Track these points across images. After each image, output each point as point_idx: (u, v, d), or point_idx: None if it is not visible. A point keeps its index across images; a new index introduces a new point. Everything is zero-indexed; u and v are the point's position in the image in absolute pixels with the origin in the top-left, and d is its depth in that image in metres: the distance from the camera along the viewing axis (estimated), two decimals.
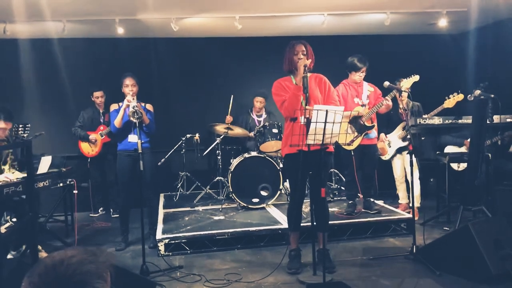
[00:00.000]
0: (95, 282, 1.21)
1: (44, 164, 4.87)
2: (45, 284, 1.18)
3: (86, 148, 6.47)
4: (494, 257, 3.60)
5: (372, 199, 5.52)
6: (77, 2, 5.22)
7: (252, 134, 6.40)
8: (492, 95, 4.66)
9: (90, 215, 6.59)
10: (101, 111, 6.53)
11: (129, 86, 4.81)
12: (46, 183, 4.63)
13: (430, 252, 4.08)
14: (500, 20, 6.61)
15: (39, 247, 4.12)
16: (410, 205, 5.18)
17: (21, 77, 6.74)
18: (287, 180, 4.94)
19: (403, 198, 6.01)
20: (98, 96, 6.50)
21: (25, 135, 5.51)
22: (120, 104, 4.86)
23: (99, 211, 6.74)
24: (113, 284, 1.29)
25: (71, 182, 5.15)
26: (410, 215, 4.99)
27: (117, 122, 4.80)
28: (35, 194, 4.64)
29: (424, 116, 5.39)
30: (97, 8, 5.50)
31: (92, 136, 6.40)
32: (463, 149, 6.00)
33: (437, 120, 5.13)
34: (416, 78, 4.90)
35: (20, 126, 5.53)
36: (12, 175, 4.40)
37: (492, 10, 6.06)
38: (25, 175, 4.40)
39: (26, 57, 6.69)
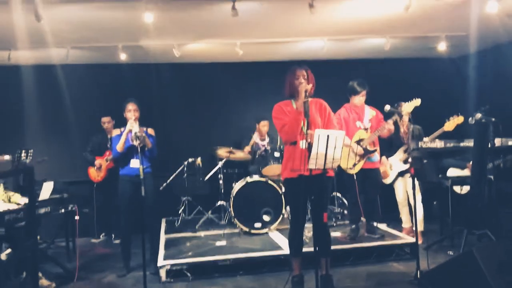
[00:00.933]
0: None
1: (46, 190, 4.87)
2: None
3: (93, 173, 6.53)
4: (500, 282, 3.55)
5: (375, 223, 5.48)
6: (80, 29, 5.30)
7: (247, 148, 6.39)
8: (493, 119, 4.67)
9: (92, 240, 6.55)
10: (109, 136, 6.55)
11: (131, 111, 4.85)
12: (48, 209, 4.63)
13: (434, 277, 4.02)
14: (499, 44, 6.67)
15: (40, 274, 4.09)
16: (414, 228, 5.14)
17: (24, 103, 6.80)
18: (288, 204, 4.92)
19: (406, 222, 5.96)
20: (105, 122, 6.55)
21: (27, 160, 5.52)
22: (122, 129, 4.89)
23: (101, 236, 6.70)
24: None
25: (73, 208, 5.13)
26: (413, 240, 4.94)
27: (119, 146, 4.82)
28: (37, 220, 4.62)
29: (424, 139, 5.39)
30: (100, 35, 5.58)
31: (97, 161, 6.43)
32: (465, 172, 5.97)
33: (438, 144, 5.12)
34: (417, 102, 4.92)
35: (23, 151, 5.55)
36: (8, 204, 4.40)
37: (491, 34, 6.12)
38: (25, 198, 4.41)
39: (29, 83, 6.75)
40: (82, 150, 6.63)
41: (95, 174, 6.50)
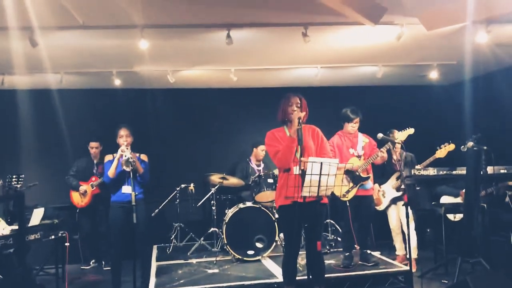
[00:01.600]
0: None
1: (37, 216, 4.81)
2: None
3: (76, 198, 6.41)
4: None
5: (369, 251, 5.45)
6: (75, 55, 5.33)
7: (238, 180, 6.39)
8: (485, 147, 4.70)
9: (81, 267, 6.44)
10: (95, 161, 6.51)
11: (123, 136, 4.84)
12: (38, 235, 4.56)
13: None
14: (490, 71, 6.77)
15: None
16: (408, 256, 5.12)
17: (17, 127, 6.76)
18: (282, 232, 4.89)
19: (400, 249, 5.92)
20: (93, 147, 6.50)
21: (18, 185, 5.47)
22: (115, 155, 4.87)
23: (91, 263, 6.58)
24: None
25: (63, 234, 5.06)
26: (408, 268, 4.90)
27: (111, 172, 4.79)
28: (26, 247, 4.55)
29: (416, 166, 5.41)
30: (95, 61, 5.61)
31: (82, 187, 6.35)
32: (459, 200, 5.98)
33: (431, 171, 5.14)
34: (411, 131, 4.97)
35: (14, 176, 5.49)
36: None
37: (482, 62, 6.22)
38: (14, 227, 4.35)
39: (22, 107, 6.74)
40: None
41: (79, 199, 6.40)
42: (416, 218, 5.64)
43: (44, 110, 6.75)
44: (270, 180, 5.90)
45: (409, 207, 4.24)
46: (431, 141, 5.57)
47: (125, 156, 4.59)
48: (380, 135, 4.50)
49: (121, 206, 4.80)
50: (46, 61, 5.32)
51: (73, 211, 6.50)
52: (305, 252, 4.10)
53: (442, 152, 5.37)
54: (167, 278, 5.03)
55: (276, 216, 5.73)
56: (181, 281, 4.88)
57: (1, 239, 3.98)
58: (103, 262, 6.49)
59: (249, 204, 5.88)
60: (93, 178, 6.41)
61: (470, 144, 4.78)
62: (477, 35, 4.83)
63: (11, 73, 5.89)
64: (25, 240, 4.16)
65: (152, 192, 5.51)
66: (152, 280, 4.93)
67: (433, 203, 5.94)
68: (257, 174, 6.11)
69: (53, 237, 4.96)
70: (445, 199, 6.12)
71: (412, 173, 5.14)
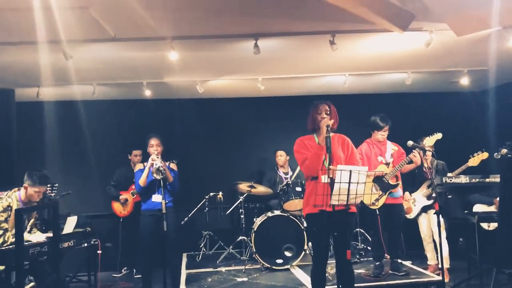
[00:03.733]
0: None
1: (70, 224, 4.92)
2: None
3: (118, 208, 6.53)
4: None
5: (399, 260, 5.36)
6: (107, 67, 5.47)
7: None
8: None
9: (113, 275, 6.54)
10: (135, 170, 6.61)
11: (154, 146, 4.93)
12: (71, 243, 4.66)
13: None
14: None
15: None
16: (440, 266, 5.01)
17: (49, 137, 6.94)
18: (310, 240, 4.86)
19: (431, 259, 5.81)
20: (137, 155, 6.60)
21: (52, 194, 5.62)
22: (145, 164, 4.96)
23: (123, 270, 6.68)
24: None
25: (95, 242, 5.16)
26: (440, 278, 4.80)
27: (142, 181, 4.88)
28: (60, 254, 4.65)
29: (449, 174, 5.31)
30: (126, 72, 5.74)
31: (123, 196, 6.46)
32: (492, 208, 5.83)
33: (463, 179, 5.05)
34: (438, 136, 4.89)
35: (48, 185, 5.65)
36: (33, 236, 4.46)
37: None
38: (48, 235, 4.46)
39: (55, 118, 6.92)
40: (105, 185, 6.68)
41: (121, 208, 6.52)
42: (448, 227, 5.53)
43: (77, 121, 6.92)
44: (299, 189, 5.89)
45: (440, 216, 4.15)
46: (462, 149, 5.46)
47: (156, 165, 4.67)
48: (410, 142, 4.44)
49: (151, 214, 4.88)
50: (79, 73, 5.49)
51: (111, 219, 6.61)
52: (334, 261, 4.07)
53: (475, 160, 5.26)
54: (197, 286, 5.07)
55: (305, 224, 5.71)
56: None
57: (36, 247, 4.09)
58: (134, 270, 6.58)
59: (277, 212, 5.88)
60: (133, 186, 6.51)
61: (504, 151, 4.68)
62: (508, 40, 4.74)
63: (45, 85, 6.07)
64: (59, 247, 4.26)
65: (182, 200, 5.57)
66: None
67: (465, 211, 5.80)
68: (285, 183, 6.10)
69: (85, 244, 5.06)
70: (478, 208, 5.98)
71: (444, 181, 5.05)
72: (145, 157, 5.16)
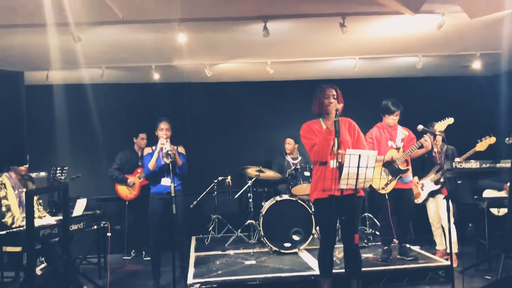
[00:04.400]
0: None
1: (79, 207, 4.97)
2: None
3: (124, 191, 6.56)
4: None
5: (408, 245, 5.36)
6: (115, 50, 5.45)
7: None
8: None
9: (124, 257, 6.61)
10: (139, 154, 6.64)
11: (163, 130, 4.93)
12: (81, 225, 4.71)
13: None
14: None
15: None
16: (448, 251, 4.99)
17: (58, 121, 7.01)
18: (318, 225, 4.86)
19: (440, 244, 5.80)
20: (143, 138, 6.62)
21: (62, 177, 5.67)
22: (154, 147, 4.97)
23: (132, 253, 6.76)
24: None
25: (105, 225, 5.21)
26: (448, 262, 4.79)
27: (151, 164, 4.89)
28: (70, 236, 4.71)
29: (456, 159, 5.27)
30: (134, 55, 5.72)
31: (131, 179, 6.50)
32: (503, 194, 5.79)
33: (474, 164, 5.00)
34: (450, 121, 4.84)
35: (58, 168, 5.70)
36: (44, 219, 4.51)
37: None
38: (58, 217, 4.52)
39: (65, 101, 6.97)
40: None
41: (127, 192, 6.56)
42: (457, 212, 5.50)
43: (86, 104, 6.94)
44: (307, 173, 5.89)
45: (449, 201, 4.12)
46: (473, 134, 5.40)
47: (165, 148, 4.68)
48: (420, 126, 4.39)
49: (160, 197, 4.91)
50: (88, 56, 5.49)
51: (117, 202, 6.67)
52: (341, 245, 4.07)
53: (482, 145, 5.21)
54: (205, 269, 5.10)
55: (313, 209, 5.71)
56: (219, 272, 4.95)
57: (47, 228, 4.14)
58: (144, 253, 6.65)
59: (285, 197, 5.88)
60: (139, 170, 6.54)
61: None
62: None
63: (54, 68, 6.08)
64: (69, 229, 4.30)
65: (190, 184, 5.59)
66: (191, 271, 5.02)
67: (475, 197, 5.76)
68: (293, 168, 6.10)
69: (95, 227, 5.12)
70: (488, 193, 5.94)
71: (454, 166, 5.01)
72: (150, 141, 5.15)
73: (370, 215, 6.59)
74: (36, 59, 5.66)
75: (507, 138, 4.80)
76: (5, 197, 4.45)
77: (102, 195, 6.72)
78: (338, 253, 5.31)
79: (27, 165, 4.71)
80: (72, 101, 6.98)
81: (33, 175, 5.49)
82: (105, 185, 6.85)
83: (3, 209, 4.39)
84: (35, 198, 4.78)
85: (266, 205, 5.86)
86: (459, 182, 5.82)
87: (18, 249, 4.12)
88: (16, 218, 4.42)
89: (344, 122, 4.02)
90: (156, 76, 6.40)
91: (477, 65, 6.33)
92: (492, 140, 5.18)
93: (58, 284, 4.29)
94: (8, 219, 4.39)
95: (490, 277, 4.95)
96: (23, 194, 4.64)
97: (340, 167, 3.60)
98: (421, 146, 4.90)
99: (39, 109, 6.79)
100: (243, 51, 5.78)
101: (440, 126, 4.86)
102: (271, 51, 5.78)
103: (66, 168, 5.81)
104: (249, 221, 6.36)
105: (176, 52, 5.57)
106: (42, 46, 5.05)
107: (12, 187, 4.57)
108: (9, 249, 4.15)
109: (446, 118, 4.88)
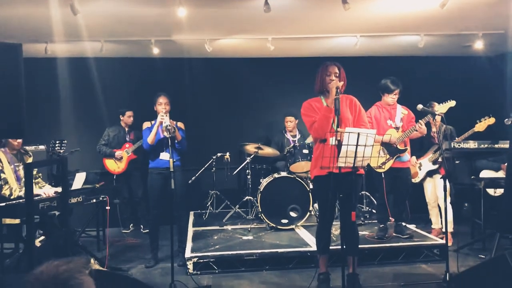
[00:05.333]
0: (78, 276, 1.47)
1: (78, 180, 4.99)
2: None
3: (112, 165, 6.59)
4: None
5: (404, 223, 5.41)
6: (115, 23, 5.39)
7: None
8: None
9: (123, 231, 6.68)
10: (126, 129, 6.66)
11: (162, 104, 4.91)
12: (80, 199, 4.73)
13: (464, 280, 3.94)
14: None
15: None
16: (443, 230, 5.05)
17: (58, 95, 6.98)
18: (317, 202, 4.90)
19: (436, 223, 5.86)
20: (130, 115, 6.65)
21: (61, 151, 5.68)
22: (153, 122, 4.96)
23: (130, 227, 6.82)
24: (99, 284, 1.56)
25: (104, 199, 5.25)
26: (443, 241, 4.85)
27: (150, 139, 4.89)
28: (69, 209, 4.74)
29: (455, 139, 5.28)
30: (133, 29, 5.66)
31: (118, 152, 6.52)
32: (500, 174, 5.82)
33: (472, 144, 5.01)
34: (452, 103, 4.83)
35: (57, 142, 5.70)
36: (43, 189, 4.54)
37: None
38: (57, 189, 4.54)
39: (64, 75, 6.92)
40: None
41: (114, 166, 6.57)
42: (454, 192, 5.54)
43: (85, 78, 6.91)
44: (305, 151, 5.90)
45: (447, 181, 4.15)
46: (473, 114, 5.40)
47: (164, 123, 4.67)
48: (420, 106, 4.39)
49: (159, 172, 4.93)
50: (87, 29, 5.43)
51: (109, 177, 6.71)
52: (339, 222, 4.11)
53: (481, 125, 5.21)
54: (203, 243, 5.16)
55: (311, 186, 5.75)
56: (217, 246, 5.01)
57: (46, 201, 4.16)
58: (142, 226, 6.71)
59: (283, 174, 5.91)
60: (127, 145, 6.56)
61: None
62: None
63: (53, 41, 6.02)
64: (68, 202, 4.33)
65: (189, 160, 5.61)
66: (189, 245, 5.08)
67: (472, 177, 5.80)
68: (292, 145, 6.11)
69: (94, 200, 5.14)
70: (485, 173, 5.98)
71: (452, 146, 5.02)
72: (149, 116, 5.13)
73: (367, 193, 6.63)
74: (35, 31, 5.60)
75: (506, 119, 4.79)
76: (2, 171, 4.47)
77: (101, 169, 6.73)
78: (335, 230, 5.36)
79: (21, 140, 4.71)
80: (72, 74, 6.93)
81: (32, 148, 5.51)
82: (101, 160, 6.87)
83: (1, 182, 4.41)
84: (35, 171, 4.80)
85: (264, 182, 5.89)
86: (457, 162, 5.85)
87: (17, 221, 4.16)
88: (14, 189, 4.44)
89: (345, 99, 4.01)
90: (155, 51, 6.35)
91: (479, 45, 6.29)
92: (491, 120, 5.18)
93: (58, 256, 4.33)
94: (6, 191, 4.41)
95: (484, 256, 5.02)
96: (20, 168, 4.65)
97: (339, 145, 3.61)
98: (417, 129, 4.93)
99: (38, 82, 6.76)
100: (244, 26, 5.72)
101: (442, 108, 4.85)
102: (272, 27, 5.72)
103: (65, 141, 5.81)
104: (247, 197, 6.40)
105: (176, 26, 5.52)
106: (40, 17, 4.99)
107: (8, 162, 4.58)
108: (8, 221, 4.20)
109: (449, 101, 4.87)
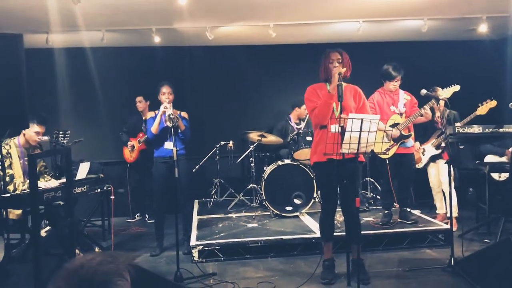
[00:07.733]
0: (116, 281, 1.31)
1: (83, 170, 5.00)
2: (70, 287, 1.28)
3: (127, 154, 6.69)
4: None
5: (408, 209, 5.41)
6: (116, 12, 5.35)
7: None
8: None
9: (127, 220, 6.71)
10: (144, 118, 6.63)
11: (165, 93, 4.91)
12: (84, 188, 4.75)
13: (469, 265, 3.95)
14: None
15: (77, 251, 4.22)
16: (448, 215, 5.03)
17: (60, 85, 6.96)
18: (319, 189, 4.90)
19: (440, 208, 5.85)
20: (140, 100, 6.63)
21: (65, 141, 5.68)
22: (157, 111, 4.95)
23: (136, 216, 6.86)
24: (136, 284, 1.41)
25: (108, 188, 5.26)
26: (448, 226, 4.85)
27: (154, 128, 4.89)
28: (74, 199, 4.76)
29: (457, 124, 5.25)
30: (134, 18, 5.62)
31: (130, 142, 6.56)
32: (504, 159, 5.80)
33: (476, 129, 4.97)
34: (456, 88, 4.80)
35: (60, 132, 5.70)
36: (48, 183, 4.54)
37: None
38: (61, 181, 4.55)
39: (65, 65, 6.90)
40: (116, 132, 6.80)
41: (128, 154, 6.66)
42: (458, 177, 5.52)
43: (87, 68, 6.88)
44: (309, 138, 5.88)
45: (451, 166, 4.13)
46: (477, 99, 5.35)
47: (167, 112, 4.66)
48: (423, 91, 4.36)
49: (163, 161, 4.94)
50: (88, 18, 5.39)
51: (118, 166, 6.76)
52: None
53: (483, 109, 5.17)
54: (208, 232, 5.18)
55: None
56: (222, 234, 5.03)
57: (51, 191, 4.17)
58: (147, 215, 6.74)
59: (287, 161, 5.90)
60: (140, 134, 6.57)
61: None
62: None
63: (54, 31, 5.99)
64: (73, 192, 4.34)
65: (193, 149, 5.60)
66: (194, 233, 5.10)
67: (477, 162, 5.78)
68: (295, 132, 6.09)
69: (98, 190, 5.15)
70: (490, 158, 5.95)
71: (456, 131, 4.99)
72: (152, 105, 5.12)
73: (371, 179, 6.63)
74: (36, 21, 5.57)
75: (511, 103, 4.76)
76: (10, 167, 4.47)
77: (105, 159, 6.75)
78: (339, 216, 5.37)
79: (41, 137, 4.75)
80: (73, 65, 6.91)
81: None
82: (108, 149, 6.90)
83: (7, 179, 4.41)
84: (41, 165, 4.83)
85: (268, 169, 5.89)
86: (462, 147, 5.83)
87: (20, 212, 4.18)
88: (18, 184, 4.44)
89: (350, 89, 4.00)
90: (156, 39, 6.31)
91: (483, 28, 6.21)
92: (492, 104, 5.14)
93: (63, 245, 4.37)
94: (10, 187, 4.42)
95: (489, 241, 5.02)
96: None
97: (342, 131, 3.60)
98: (422, 115, 4.89)
99: (40, 73, 6.74)
100: (245, 13, 5.67)
101: (446, 93, 4.81)
102: (274, 13, 5.67)
103: (69, 132, 5.80)
104: (251, 185, 6.41)
105: (176, 14, 5.47)
106: (41, 7, 4.96)
107: (18, 156, 4.58)
108: (12, 216, 4.24)
109: (453, 86, 4.83)
